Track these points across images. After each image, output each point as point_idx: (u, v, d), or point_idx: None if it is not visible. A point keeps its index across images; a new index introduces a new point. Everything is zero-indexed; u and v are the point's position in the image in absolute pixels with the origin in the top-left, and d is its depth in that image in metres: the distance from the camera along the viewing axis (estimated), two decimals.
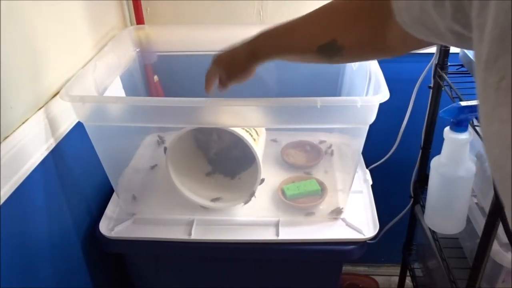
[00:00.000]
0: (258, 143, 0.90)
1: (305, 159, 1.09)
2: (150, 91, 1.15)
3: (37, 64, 0.78)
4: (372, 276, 1.55)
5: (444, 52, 0.96)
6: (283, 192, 0.96)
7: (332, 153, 1.09)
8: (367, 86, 0.85)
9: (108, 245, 0.91)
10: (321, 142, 1.11)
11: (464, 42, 0.39)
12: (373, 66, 0.85)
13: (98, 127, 0.83)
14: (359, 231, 0.88)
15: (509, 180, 0.28)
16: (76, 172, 0.89)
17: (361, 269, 1.59)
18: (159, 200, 0.97)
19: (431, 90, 1.02)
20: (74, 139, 0.85)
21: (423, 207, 1.06)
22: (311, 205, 0.94)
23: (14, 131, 0.69)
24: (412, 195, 1.17)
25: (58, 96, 0.79)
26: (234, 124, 0.83)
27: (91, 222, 0.94)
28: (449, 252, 0.97)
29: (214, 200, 0.93)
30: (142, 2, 1.13)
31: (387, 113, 0.84)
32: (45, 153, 0.76)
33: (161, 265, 0.97)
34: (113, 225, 0.91)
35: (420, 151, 1.11)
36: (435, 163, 0.89)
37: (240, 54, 0.69)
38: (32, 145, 0.72)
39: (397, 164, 1.21)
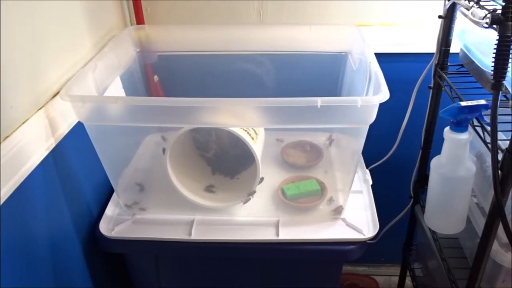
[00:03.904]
0: (256, 142, 0.90)
1: (305, 159, 1.09)
2: (150, 91, 1.15)
3: (37, 64, 0.78)
4: (372, 276, 1.55)
5: (444, 52, 0.96)
6: (283, 192, 0.96)
7: (331, 144, 1.09)
8: (367, 86, 0.85)
9: (108, 245, 0.91)
10: (328, 139, 1.12)
11: None
12: (373, 66, 0.85)
13: (98, 127, 0.83)
14: (359, 231, 0.88)
15: None
16: (76, 172, 0.89)
17: (361, 269, 1.59)
18: (159, 200, 0.97)
19: (431, 90, 1.02)
20: (74, 139, 0.85)
21: (423, 207, 1.06)
22: (311, 205, 0.94)
23: (14, 131, 0.69)
24: (412, 195, 1.17)
25: (58, 96, 0.79)
26: (234, 124, 0.83)
27: (91, 222, 0.94)
28: (449, 252, 0.97)
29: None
30: (142, 2, 1.13)
31: (387, 113, 0.84)
32: (45, 153, 0.76)
33: (161, 265, 0.97)
34: (113, 225, 0.92)
35: (420, 151, 1.11)
36: (435, 163, 0.89)
37: None
38: (32, 145, 0.72)
39: (397, 164, 1.21)
